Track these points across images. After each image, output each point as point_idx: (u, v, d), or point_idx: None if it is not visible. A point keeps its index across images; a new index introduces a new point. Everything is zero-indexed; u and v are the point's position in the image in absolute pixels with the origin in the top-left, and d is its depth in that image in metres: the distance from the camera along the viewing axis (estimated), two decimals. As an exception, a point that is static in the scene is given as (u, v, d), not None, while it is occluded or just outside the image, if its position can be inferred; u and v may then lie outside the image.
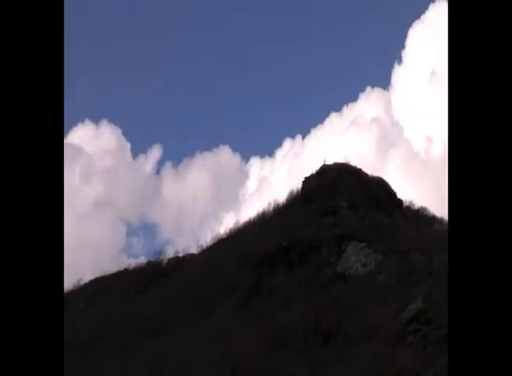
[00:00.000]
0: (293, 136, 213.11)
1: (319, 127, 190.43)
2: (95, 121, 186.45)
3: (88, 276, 71.00)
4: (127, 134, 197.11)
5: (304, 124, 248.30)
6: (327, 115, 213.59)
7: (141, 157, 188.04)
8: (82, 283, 68.61)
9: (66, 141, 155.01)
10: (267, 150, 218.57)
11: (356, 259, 58.90)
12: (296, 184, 76.95)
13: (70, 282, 71.10)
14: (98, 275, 69.28)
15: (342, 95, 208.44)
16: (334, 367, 44.03)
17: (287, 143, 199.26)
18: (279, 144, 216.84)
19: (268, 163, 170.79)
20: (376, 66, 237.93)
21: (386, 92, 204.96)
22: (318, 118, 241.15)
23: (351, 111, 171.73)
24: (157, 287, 57.52)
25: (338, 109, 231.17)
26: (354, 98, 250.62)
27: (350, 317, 48.52)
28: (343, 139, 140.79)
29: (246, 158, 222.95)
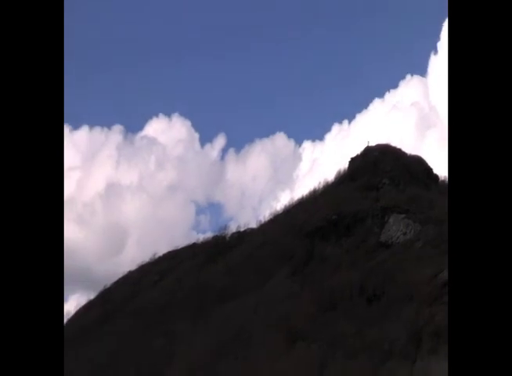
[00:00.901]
0: (340, 121, 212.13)
1: (364, 112, 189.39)
2: (168, 114, 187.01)
3: (162, 251, 71.95)
4: (195, 125, 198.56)
5: (350, 110, 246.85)
6: (371, 101, 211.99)
7: (207, 146, 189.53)
8: (157, 256, 69.59)
9: (142, 133, 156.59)
10: (317, 134, 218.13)
11: (397, 229, 59.17)
12: (343, 164, 76.93)
13: (146, 256, 72.30)
14: (171, 249, 70.23)
15: (384, 83, 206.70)
16: (378, 325, 44.37)
17: (335, 128, 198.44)
18: (328, 129, 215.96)
19: (318, 146, 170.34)
20: (415, 56, 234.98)
21: (424, 79, 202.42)
22: (362, 104, 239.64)
23: (392, 97, 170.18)
24: (222, 258, 58.19)
25: (381, 95, 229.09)
26: (395, 85, 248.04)
27: (392, 280, 48.61)
28: (385, 122, 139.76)
29: (299, 143, 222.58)
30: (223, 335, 44.13)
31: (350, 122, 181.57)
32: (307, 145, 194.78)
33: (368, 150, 77.51)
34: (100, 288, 70.67)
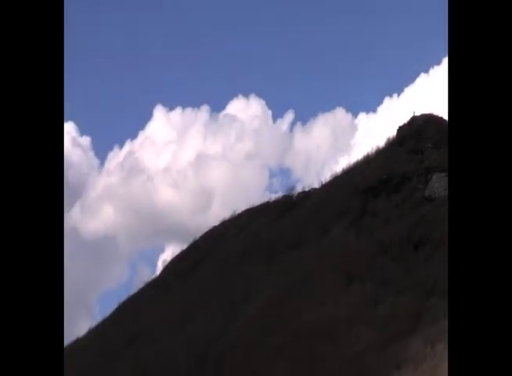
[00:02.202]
0: (390, 95, 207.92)
1: (411, 86, 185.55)
2: (246, 95, 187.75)
3: (241, 208, 72.44)
4: (269, 104, 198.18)
5: (399, 84, 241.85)
6: (418, 75, 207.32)
7: (279, 120, 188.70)
8: (237, 213, 70.16)
9: (224, 112, 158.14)
10: (371, 107, 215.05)
11: (439, 185, 58.49)
12: (392, 132, 75.96)
13: (228, 213, 73.04)
14: (248, 207, 70.75)
15: (429, 60, 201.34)
16: (423, 267, 44.46)
17: (386, 100, 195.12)
18: (381, 102, 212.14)
19: (372, 117, 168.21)
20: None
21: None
22: (410, 79, 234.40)
23: (436, 72, 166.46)
24: (290, 214, 58.51)
25: (426, 70, 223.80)
26: (438, 61, 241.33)
27: (435, 229, 48.26)
28: (429, 94, 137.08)
29: (355, 115, 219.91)
30: (291, 277, 44.70)
31: (399, 95, 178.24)
32: (362, 116, 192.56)
33: (414, 119, 76.47)
34: (191, 240, 71.83)
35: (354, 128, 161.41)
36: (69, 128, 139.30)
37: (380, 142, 79.82)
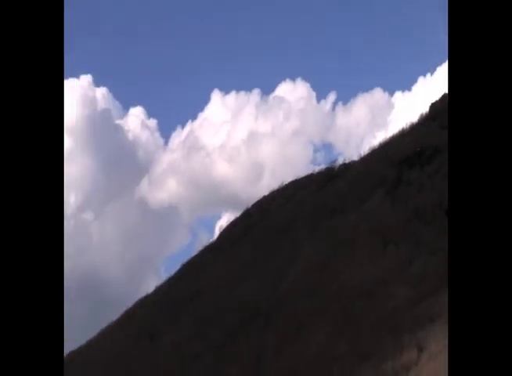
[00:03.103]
0: (424, 74, 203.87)
1: (443, 65, 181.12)
2: (293, 79, 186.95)
3: (288, 180, 72.19)
4: (313, 86, 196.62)
5: (431, 64, 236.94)
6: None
7: (322, 101, 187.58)
8: (284, 184, 70.00)
9: (273, 94, 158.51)
10: (406, 86, 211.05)
11: (468, 157, 57.74)
12: (425, 108, 74.41)
13: (275, 185, 72.93)
14: (294, 179, 70.53)
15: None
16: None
17: (420, 80, 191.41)
18: (415, 81, 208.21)
19: (407, 95, 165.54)
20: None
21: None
22: (442, 59, 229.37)
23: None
24: (331, 185, 58.10)
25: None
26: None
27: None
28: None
29: (391, 94, 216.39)
30: (332, 242, 44.51)
31: (432, 74, 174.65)
32: (398, 95, 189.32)
33: (445, 96, 74.97)
34: (244, 208, 72.10)
35: (390, 106, 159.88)
36: (138, 112, 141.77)
37: (414, 118, 78.76)
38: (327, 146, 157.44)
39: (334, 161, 68.52)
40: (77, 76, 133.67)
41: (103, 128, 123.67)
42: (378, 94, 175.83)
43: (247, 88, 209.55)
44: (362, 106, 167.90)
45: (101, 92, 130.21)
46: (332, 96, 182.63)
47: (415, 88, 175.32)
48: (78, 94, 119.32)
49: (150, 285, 77.84)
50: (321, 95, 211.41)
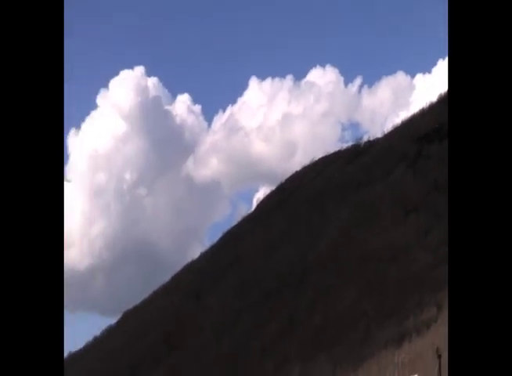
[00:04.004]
0: (443, 57, 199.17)
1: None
2: (323, 65, 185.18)
3: (318, 156, 71.54)
4: (341, 71, 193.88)
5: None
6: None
7: (349, 85, 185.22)
8: (314, 160, 69.50)
9: (305, 80, 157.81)
10: (427, 68, 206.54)
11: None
12: (444, 89, 72.67)
13: (306, 161, 72.45)
14: (323, 155, 69.94)
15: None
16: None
17: (440, 62, 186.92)
18: (435, 63, 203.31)
19: (427, 77, 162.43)
20: None
21: None
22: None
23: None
24: (358, 160, 57.48)
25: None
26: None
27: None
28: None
29: (413, 76, 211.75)
30: (359, 212, 44.12)
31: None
32: (419, 77, 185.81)
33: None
34: (278, 182, 71.95)
35: (412, 88, 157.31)
36: (184, 99, 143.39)
37: (434, 98, 77.37)
38: (354, 125, 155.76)
39: (360, 139, 67.76)
40: (131, 68, 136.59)
41: (154, 114, 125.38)
42: (401, 77, 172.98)
43: (281, 74, 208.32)
44: (386, 88, 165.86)
45: (152, 82, 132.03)
46: (358, 80, 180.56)
47: (435, 70, 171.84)
48: (132, 83, 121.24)
49: (196, 252, 78.30)
50: (348, 80, 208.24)
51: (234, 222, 70.99)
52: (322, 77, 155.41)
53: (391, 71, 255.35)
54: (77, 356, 62.66)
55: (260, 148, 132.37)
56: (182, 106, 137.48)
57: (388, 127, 68.59)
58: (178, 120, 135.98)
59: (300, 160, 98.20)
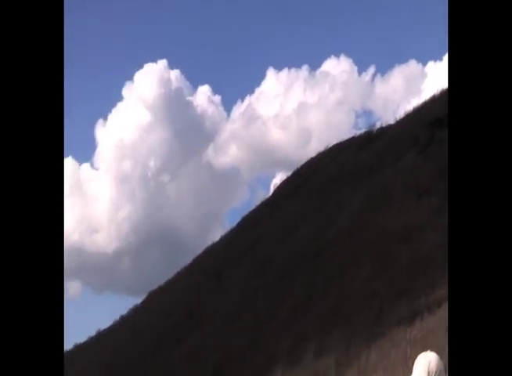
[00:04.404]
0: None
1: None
2: (337, 55, 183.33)
3: (332, 143, 70.95)
4: (355, 61, 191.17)
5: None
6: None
7: (363, 74, 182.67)
8: (329, 146, 68.93)
9: (320, 70, 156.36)
10: (438, 56, 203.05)
11: (494, 118, 55.25)
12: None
13: (321, 148, 71.85)
14: (337, 141, 69.37)
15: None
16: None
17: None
18: (446, 51, 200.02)
19: (438, 65, 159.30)
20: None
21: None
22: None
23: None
24: (370, 145, 56.85)
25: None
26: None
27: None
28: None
29: (424, 64, 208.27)
30: (371, 195, 43.64)
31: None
32: (430, 64, 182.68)
33: (473, 64, 72.34)
34: (294, 168, 71.57)
35: (424, 75, 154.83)
36: (205, 90, 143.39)
37: (445, 85, 76.18)
38: (367, 113, 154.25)
39: (373, 125, 66.96)
40: (155, 61, 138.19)
41: (176, 104, 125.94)
42: (413, 65, 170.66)
43: (297, 65, 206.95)
44: (399, 76, 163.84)
45: (174, 74, 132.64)
46: (371, 69, 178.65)
47: (445, 58, 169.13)
48: (156, 76, 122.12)
49: (216, 235, 78.73)
50: (362, 69, 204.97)
51: (252, 207, 70.74)
52: (337, 66, 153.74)
53: (403, 60, 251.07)
54: (105, 334, 63.22)
55: (277, 136, 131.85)
56: (203, 97, 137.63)
57: (400, 113, 67.39)
58: (199, 110, 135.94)
59: (315, 147, 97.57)
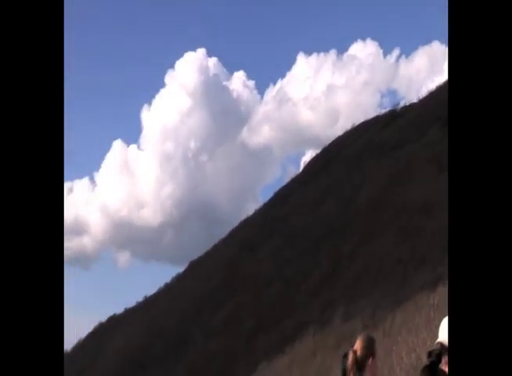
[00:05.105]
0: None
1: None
2: (363, 39, 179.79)
3: (359, 121, 69.78)
4: (381, 44, 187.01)
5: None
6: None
7: (388, 56, 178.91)
8: (356, 124, 67.80)
9: (347, 53, 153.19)
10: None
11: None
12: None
13: (348, 127, 70.70)
14: (364, 120, 68.15)
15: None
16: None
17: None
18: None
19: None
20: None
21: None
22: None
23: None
24: (394, 123, 55.59)
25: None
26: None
27: None
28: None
29: (447, 44, 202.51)
30: (396, 169, 42.66)
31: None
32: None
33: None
34: (323, 146, 70.78)
35: (446, 55, 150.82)
36: (240, 75, 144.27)
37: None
38: (392, 93, 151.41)
39: (397, 104, 65.49)
40: (194, 50, 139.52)
41: (214, 89, 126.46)
42: (436, 46, 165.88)
43: (326, 49, 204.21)
44: (422, 57, 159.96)
45: (212, 62, 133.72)
46: (396, 51, 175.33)
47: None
48: (195, 64, 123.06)
49: (250, 209, 78.80)
50: (387, 51, 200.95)
51: (283, 183, 70.51)
52: (363, 50, 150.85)
53: (426, 41, 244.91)
54: (151, 299, 64.33)
55: (306, 116, 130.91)
56: (238, 82, 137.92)
57: (423, 93, 65.79)
58: (234, 94, 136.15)
59: (342, 126, 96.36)
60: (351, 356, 5.62)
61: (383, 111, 70.49)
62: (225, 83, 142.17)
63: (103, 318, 68.76)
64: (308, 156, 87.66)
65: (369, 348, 5.74)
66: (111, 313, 69.12)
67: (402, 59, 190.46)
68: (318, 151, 71.71)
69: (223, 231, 68.02)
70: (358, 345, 5.92)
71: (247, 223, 60.95)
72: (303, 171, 67.93)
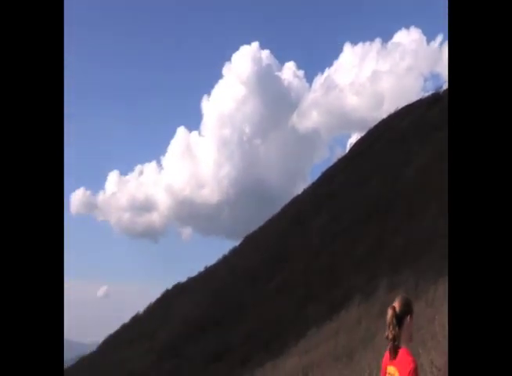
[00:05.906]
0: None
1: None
2: (407, 27, 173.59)
3: (403, 104, 67.19)
4: (424, 32, 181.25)
5: None
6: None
7: (431, 43, 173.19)
8: (399, 108, 65.41)
9: (392, 41, 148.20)
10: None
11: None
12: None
13: (393, 109, 68.30)
14: (407, 103, 65.70)
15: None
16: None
17: None
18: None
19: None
20: None
21: None
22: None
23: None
24: (437, 105, 53.19)
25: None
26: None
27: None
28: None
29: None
30: (437, 149, 40.89)
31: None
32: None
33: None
34: (368, 129, 68.96)
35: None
36: (290, 66, 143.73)
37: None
38: (435, 76, 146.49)
39: (440, 87, 62.73)
40: (249, 43, 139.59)
41: (267, 79, 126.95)
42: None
43: (371, 38, 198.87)
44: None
45: (265, 54, 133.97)
46: (439, 38, 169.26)
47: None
48: (250, 56, 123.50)
49: (300, 188, 78.53)
50: (430, 38, 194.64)
51: (331, 163, 69.49)
52: (407, 37, 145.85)
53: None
54: (211, 270, 65.40)
55: (352, 101, 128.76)
56: (289, 72, 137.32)
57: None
58: (285, 83, 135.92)
59: (387, 109, 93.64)
60: (390, 312, 5.45)
61: (426, 94, 67.59)
62: (276, 73, 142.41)
63: (169, 285, 70.45)
64: (354, 138, 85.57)
65: (408, 306, 5.53)
66: (176, 281, 70.76)
67: (445, 45, 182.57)
68: (363, 133, 69.91)
69: (275, 208, 67.84)
70: (397, 303, 5.60)
71: (297, 200, 60.60)
72: (349, 152, 66.61)
